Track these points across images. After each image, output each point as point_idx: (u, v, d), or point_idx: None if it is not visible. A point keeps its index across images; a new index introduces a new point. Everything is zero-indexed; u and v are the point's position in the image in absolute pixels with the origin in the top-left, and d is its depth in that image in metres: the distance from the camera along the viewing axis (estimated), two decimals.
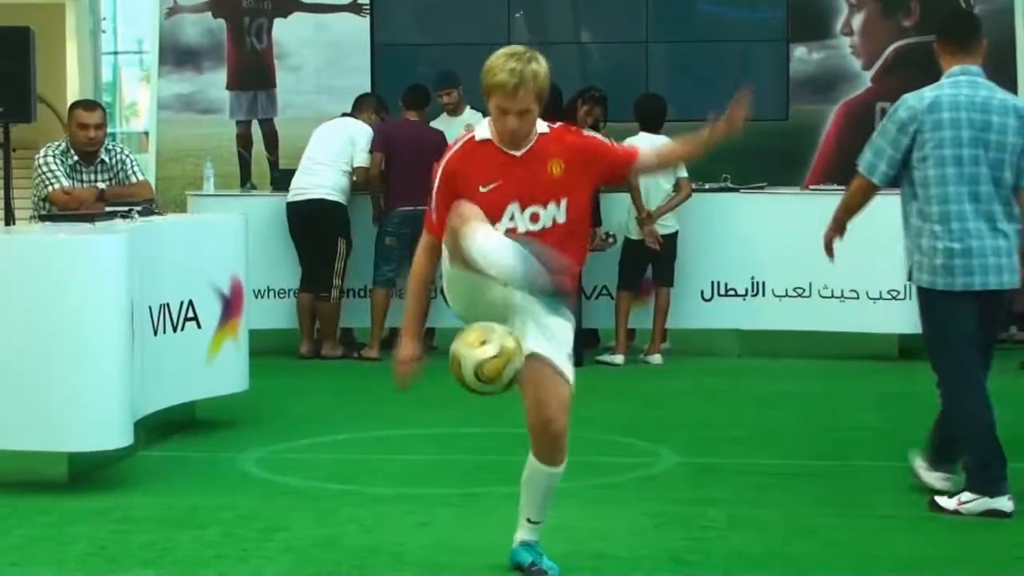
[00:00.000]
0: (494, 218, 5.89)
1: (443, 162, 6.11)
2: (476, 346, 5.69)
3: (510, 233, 5.90)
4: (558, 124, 6.26)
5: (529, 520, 6.37)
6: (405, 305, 6.49)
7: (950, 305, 7.39)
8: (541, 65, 5.98)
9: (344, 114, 12.75)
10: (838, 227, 7.92)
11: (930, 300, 7.48)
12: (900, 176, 7.48)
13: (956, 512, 7.35)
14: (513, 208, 6.00)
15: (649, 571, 6.47)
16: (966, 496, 7.36)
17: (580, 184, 6.11)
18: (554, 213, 6.05)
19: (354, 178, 12.37)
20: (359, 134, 12.39)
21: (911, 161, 7.40)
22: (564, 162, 6.08)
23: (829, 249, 7.97)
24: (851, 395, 10.84)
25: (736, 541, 6.97)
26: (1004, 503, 7.30)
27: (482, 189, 5.96)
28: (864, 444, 9.21)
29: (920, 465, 7.85)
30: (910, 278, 7.73)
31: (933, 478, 7.74)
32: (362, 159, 12.32)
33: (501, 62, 5.94)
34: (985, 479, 7.37)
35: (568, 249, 6.01)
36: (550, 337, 6.03)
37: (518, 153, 6.07)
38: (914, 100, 7.59)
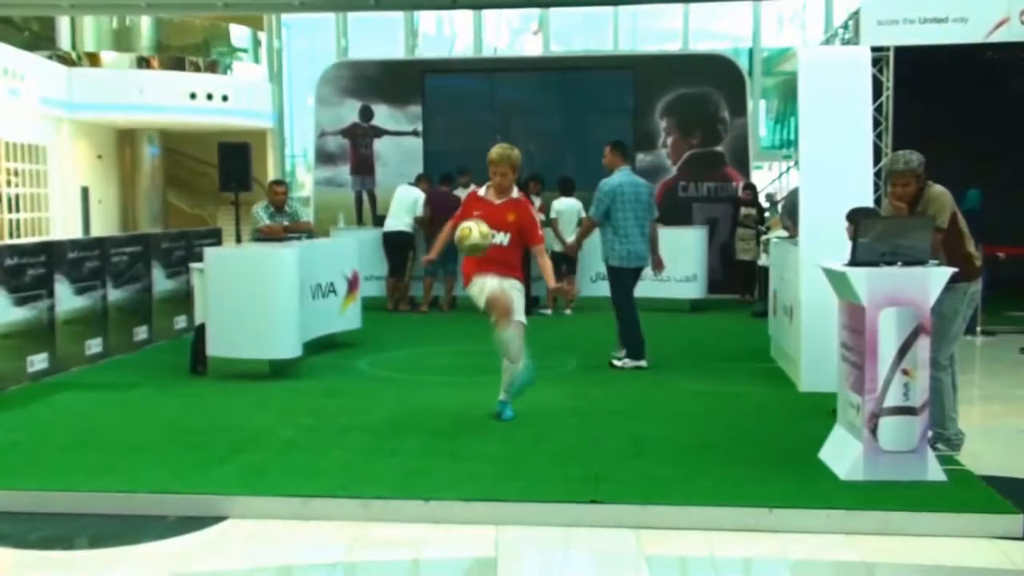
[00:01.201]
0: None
1: (464, 200, 6.42)
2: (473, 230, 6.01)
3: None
4: (522, 196, 6.32)
5: (505, 391, 6.37)
6: (440, 238, 6.57)
7: (627, 275, 8.36)
8: (515, 151, 6.33)
9: (409, 183, 12.73)
10: (579, 244, 9.48)
11: (619, 272, 8.36)
12: (605, 218, 8.33)
13: (623, 367, 8.31)
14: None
15: (563, 418, 6.46)
16: (628, 361, 8.33)
17: (517, 230, 6.29)
18: (502, 239, 6.24)
19: (416, 221, 12.33)
20: (418, 198, 12.32)
21: (611, 211, 8.29)
22: (516, 216, 6.17)
23: (574, 252, 9.95)
24: (667, 330, 10.82)
25: (608, 403, 6.96)
26: (643, 364, 8.29)
27: (475, 214, 6.23)
28: (672, 355, 9.06)
29: (616, 356, 8.49)
30: (607, 262, 8.42)
31: (619, 359, 8.44)
32: (420, 212, 12.24)
33: (497, 149, 6.16)
34: (637, 352, 8.32)
35: (511, 258, 6.29)
36: (511, 291, 6.19)
37: (497, 202, 6.14)
38: (610, 184, 8.33)
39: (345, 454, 5.56)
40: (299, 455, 5.55)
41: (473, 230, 6.04)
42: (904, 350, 4.90)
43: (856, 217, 5.73)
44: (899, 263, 5.00)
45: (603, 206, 8.34)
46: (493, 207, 6.29)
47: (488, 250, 6.13)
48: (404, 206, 12.28)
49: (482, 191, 6.39)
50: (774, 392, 7.31)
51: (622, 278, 8.41)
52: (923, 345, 4.90)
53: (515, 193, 6.38)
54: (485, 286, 6.19)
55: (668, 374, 8.14)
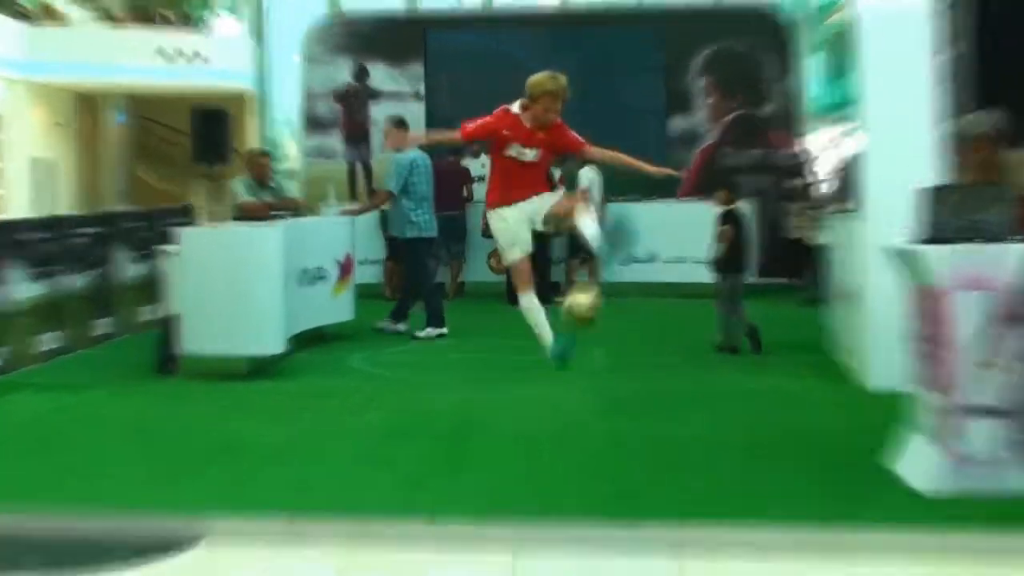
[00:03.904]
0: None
1: (496, 114, 6.22)
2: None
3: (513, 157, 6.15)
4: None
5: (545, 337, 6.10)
6: (434, 135, 6.53)
7: (426, 245, 9.68)
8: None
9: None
10: (360, 213, 10.47)
11: (418, 244, 9.60)
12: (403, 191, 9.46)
13: (428, 338, 9.35)
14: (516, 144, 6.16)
15: (589, 421, 6.37)
16: (430, 331, 9.39)
17: (548, 144, 6.22)
18: (532, 155, 6.18)
19: None
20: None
21: (408, 183, 9.47)
22: (546, 132, 6.10)
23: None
24: (708, 319, 10.69)
25: (640, 404, 6.88)
26: (444, 330, 9.42)
27: (504, 132, 6.17)
28: (705, 348, 9.05)
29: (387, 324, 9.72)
30: (404, 234, 9.52)
31: (392, 326, 9.71)
32: None
33: (554, 79, 6.14)
34: (438, 321, 9.44)
35: (542, 174, 6.35)
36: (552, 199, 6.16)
37: (529, 126, 6.14)
38: (407, 156, 9.46)
39: (337, 464, 5.51)
40: (284, 466, 5.51)
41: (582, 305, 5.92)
42: (987, 339, 4.78)
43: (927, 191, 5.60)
44: (978, 240, 4.89)
45: (402, 178, 9.55)
46: (524, 127, 6.21)
47: (521, 167, 6.16)
48: None
49: (516, 108, 6.28)
50: (835, 390, 7.22)
51: (420, 249, 9.73)
52: (1014, 334, 4.78)
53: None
54: (518, 238, 6.10)
55: (710, 371, 8.05)
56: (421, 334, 9.51)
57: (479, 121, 6.33)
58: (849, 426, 6.20)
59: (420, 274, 9.86)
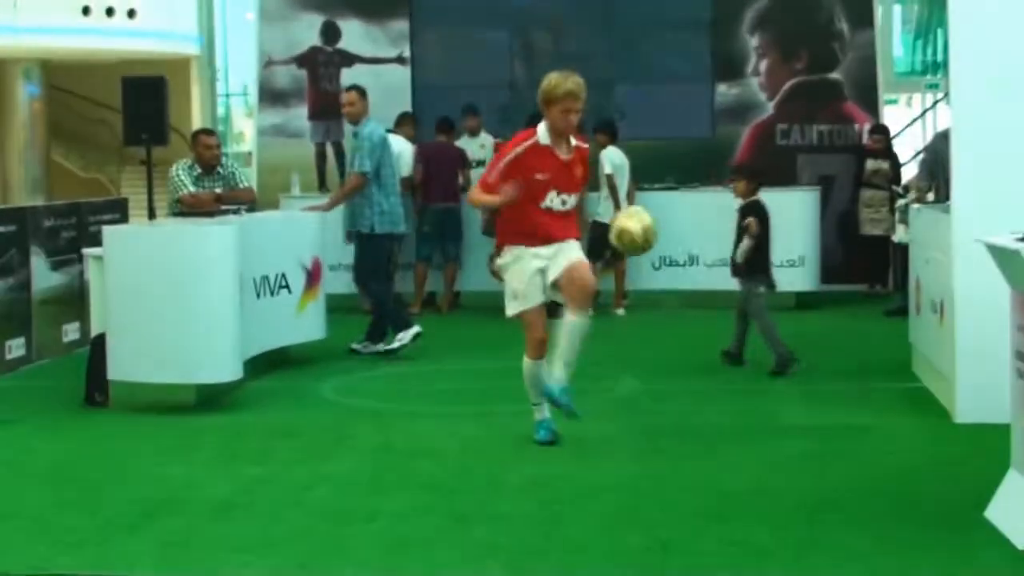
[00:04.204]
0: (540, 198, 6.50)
1: (520, 155, 6.49)
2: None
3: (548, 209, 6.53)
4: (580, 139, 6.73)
5: (568, 364, 6.54)
6: (488, 200, 6.70)
7: (393, 242, 10.21)
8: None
9: (388, 130, 12.71)
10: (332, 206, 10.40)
11: (383, 240, 9.92)
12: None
13: (403, 345, 9.64)
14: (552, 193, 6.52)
15: (617, 465, 6.42)
16: (403, 336, 9.63)
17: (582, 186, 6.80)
18: (571, 202, 6.63)
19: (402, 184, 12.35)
20: (404, 152, 12.29)
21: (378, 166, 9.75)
22: (583, 170, 6.44)
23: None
24: (755, 333, 10.79)
25: (680, 442, 6.93)
26: (414, 332, 9.71)
27: (538, 176, 6.47)
28: (761, 371, 9.10)
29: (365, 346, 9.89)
30: (372, 229, 9.76)
31: (371, 347, 9.85)
32: (407, 171, 12.23)
33: (569, 79, 6.47)
34: (404, 322, 9.71)
35: (574, 219, 6.75)
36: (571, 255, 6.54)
37: (565, 157, 6.28)
38: (378, 133, 9.94)
39: (305, 518, 5.54)
40: (239, 521, 5.54)
41: (635, 228, 6.34)
42: None
43: None
44: None
45: (375, 158, 9.82)
46: (561, 164, 6.48)
47: (557, 217, 6.56)
48: None
49: (545, 137, 6.46)
50: (918, 424, 7.26)
51: (385, 247, 10.09)
52: None
53: (572, 139, 6.58)
54: (529, 292, 6.55)
55: (763, 400, 8.10)
56: (394, 345, 9.70)
57: (503, 161, 6.53)
58: (934, 469, 6.24)
59: (381, 277, 10.14)
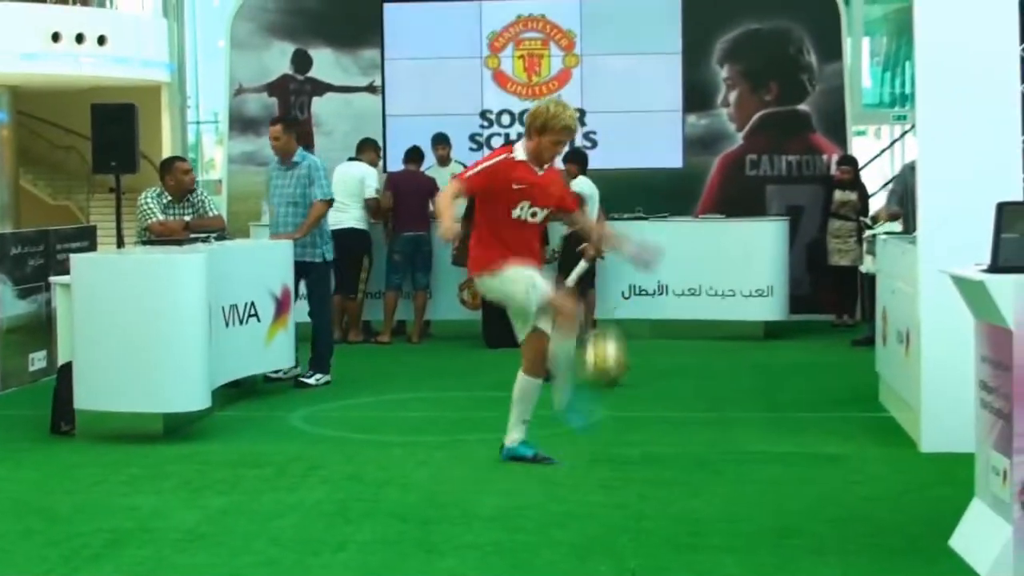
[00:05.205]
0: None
1: (499, 164, 6.61)
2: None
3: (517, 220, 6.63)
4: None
5: (525, 421, 6.70)
6: (443, 207, 6.59)
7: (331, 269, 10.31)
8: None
9: (351, 158, 12.77)
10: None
11: (329, 268, 10.13)
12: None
13: (316, 385, 9.75)
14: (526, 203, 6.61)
15: (585, 494, 6.44)
16: (319, 377, 9.77)
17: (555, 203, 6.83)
18: (540, 214, 6.72)
19: (369, 208, 12.38)
20: (367, 176, 12.38)
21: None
22: (556, 187, 6.55)
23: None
24: (729, 366, 10.85)
25: (648, 471, 6.95)
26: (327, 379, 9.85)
27: (515, 187, 6.56)
28: (739, 400, 9.18)
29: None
30: (324, 257, 9.92)
31: (323, 379, 9.87)
32: (371, 193, 12.31)
33: (567, 112, 6.63)
34: (327, 366, 9.88)
35: (537, 236, 6.88)
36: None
37: (540, 173, 6.38)
38: (320, 159, 10.19)
39: (273, 548, 5.54)
40: (206, 551, 5.53)
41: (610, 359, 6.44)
42: None
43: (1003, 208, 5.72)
44: None
45: (329, 183, 10.20)
46: (537, 178, 6.68)
47: (520, 229, 6.65)
48: (348, 191, 12.28)
49: (521, 154, 6.55)
50: (884, 454, 7.30)
51: (329, 275, 10.29)
52: None
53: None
54: (536, 281, 6.55)
55: (733, 429, 8.13)
56: (311, 380, 9.84)
57: (481, 166, 6.58)
58: (900, 498, 6.28)
59: (329, 306, 10.37)
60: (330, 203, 9.99)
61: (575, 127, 6.67)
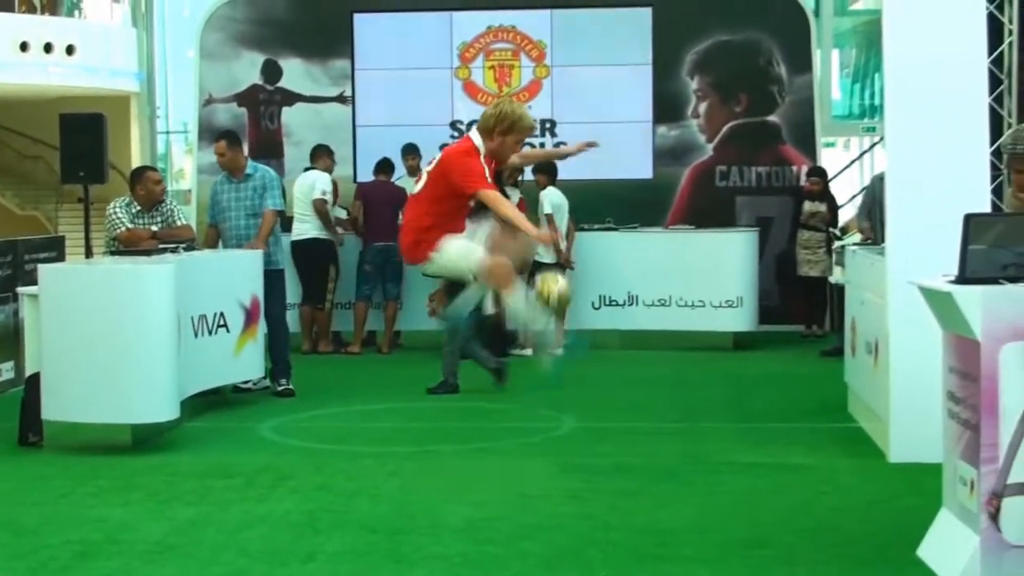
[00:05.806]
0: None
1: (470, 154, 6.64)
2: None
3: None
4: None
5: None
6: (518, 217, 6.63)
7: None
8: None
9: (306, 168, 12.78)
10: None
11: (282, 276, 10.17)
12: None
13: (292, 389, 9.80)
14: None
15: (555, 505, 6.44)
16: (285, 382, 9.83)
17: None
18: None
19: (316, 211, 12.36)
20: (318, 181, 12.39)
21: None
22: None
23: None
24: (699, 376, 10.88)
25: (619, 482, 6.97)
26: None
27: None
28: (709, 411, 9.21)
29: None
30: (279, 265, 10.04)
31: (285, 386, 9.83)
32: (318, 195, 12.29)
33: (527, 113, 6.77)
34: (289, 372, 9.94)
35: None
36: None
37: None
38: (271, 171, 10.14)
39: (242, 559, 5.53)
40: (175, 562, 5.52)
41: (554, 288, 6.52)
42: None
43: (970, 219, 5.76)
44: None
45: (283, 193, 10.45)
46: (487, 167, 6.69)
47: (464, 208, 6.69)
48: (307, 200, 12.31)
49: (478, 141, 6.64)
50: (853, 464, 7.34)
51: (283, 281, 10.33)
52: None
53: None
54: (469, 250, 6.56)
55: (703, 440, 8.15)
56: (289, 386, 9.90)
57: (478, 166, 6.67)
58: (869, 508, 6.32)
59: (284, 312, 10.35)
60: (280, 213, 10.15)
61: (531, 126, 6.92)
